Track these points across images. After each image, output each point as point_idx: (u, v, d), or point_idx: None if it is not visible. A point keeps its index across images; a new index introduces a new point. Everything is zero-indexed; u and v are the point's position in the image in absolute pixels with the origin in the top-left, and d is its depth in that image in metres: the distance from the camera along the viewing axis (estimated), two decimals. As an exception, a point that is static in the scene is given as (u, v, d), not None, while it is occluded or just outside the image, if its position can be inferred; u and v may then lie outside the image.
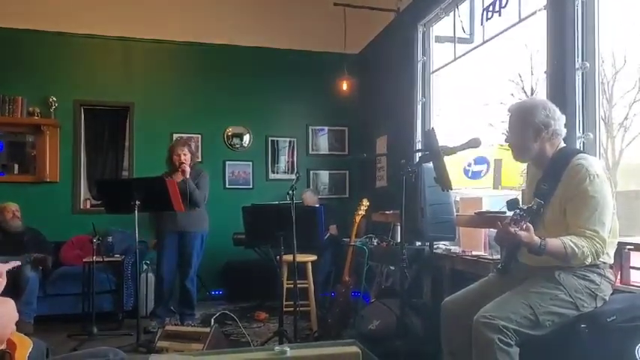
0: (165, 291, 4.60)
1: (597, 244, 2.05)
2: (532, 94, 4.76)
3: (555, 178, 2.22)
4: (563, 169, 2.20)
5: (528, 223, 2.02)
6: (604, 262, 2.19)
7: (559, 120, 2.30)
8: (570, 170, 2.17)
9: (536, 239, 2.02)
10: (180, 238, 4.58)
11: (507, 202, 2.14)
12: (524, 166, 2.74)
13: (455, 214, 3.57)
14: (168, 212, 4.37)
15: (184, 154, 4.53)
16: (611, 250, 2.23)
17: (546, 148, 2.30)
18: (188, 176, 4.45)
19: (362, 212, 4.46)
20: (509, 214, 2.14)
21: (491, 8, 3.88)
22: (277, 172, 6.42)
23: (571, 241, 2.04)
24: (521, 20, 3.59)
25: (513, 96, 5.89)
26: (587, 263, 2.09)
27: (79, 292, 4.73)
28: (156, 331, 4.13)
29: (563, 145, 2.35)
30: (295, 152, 6.48)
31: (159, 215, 4.59)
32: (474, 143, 2.46)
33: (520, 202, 2.12)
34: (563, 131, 2.32)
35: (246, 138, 6.34)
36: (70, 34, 5.80)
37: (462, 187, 4.16)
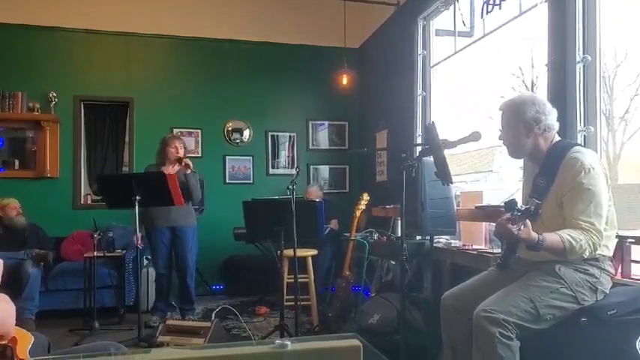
0: (164, 285, 4.62)
1: (594, 237, 2.05)
2: (532, 87, 4.75)
3: (551, 172, 2.22)
4: (559, 163, 2.20)
5: (527, 221, 2.01)
6: (603, 255, 2.19)
7: (550, 114, 2.29)
8: (565, 164, 2.17)
9: (534, 235, 2.01)
10: (172, 233, 4.56)
11: (505, 203, 2.13)
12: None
13: (455, 208, 3.57)
14: (159, 207, 4.37)
15: (181, 148, 4.53)
16: (611, 243, 2.23)
17: (540, 143, 2.30)
18: (189, 171, 4.44)
19: (362, 207, 4.46)
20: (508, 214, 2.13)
21: (491, 1, 3.85)
22: (277, 167, 6.42)
23: (568, 234, 2.03)
24: (521, 13, 3.57)
25: (514, 89, 5.88)
26: (585, 256, 2.09)
27: (81, 288, 4.75)
28: (157, 325, 4.14)
29: (558, 138, 2.34)
30: (295, 147, 6.48)
31: (148, 210, 4.55)
32: (474, 137, 2.46)
33: (518, 203, 2.11)
34: (556, 125, 2.32)
35: (247, 133, 6.33)
36: (70, 29, 5.79)
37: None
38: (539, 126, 2.26)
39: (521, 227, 1.98)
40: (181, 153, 4.52)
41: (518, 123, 2.28)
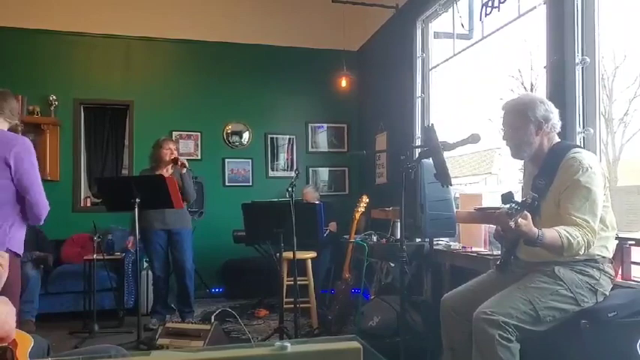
0: (161, 288, 4.61)
1: (588, 234, 2.05)
2: (532, 89, 4.76)
3: (551, 173, 2.23)
4: (558, 164, 2.21)
5: (526, 212, 1.99)
6: (603, 257, 2.19)
7: (555, 113, 2.32)
8: (565, 164, 2.18)
9: (535, 230, 2.01)
10: (169, 236, 4.56)
11: (502, 195, 2.12)
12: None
13: (455, 210, 3.57)
14: (154, 210, 4.37)
15: (175, 150, 4.56)
16: (610, 245, 2.24)
17: (544, 142, 2.32)
18: (185, 170, 4.45)
19: (361, 209, 4.46)
20: (505, 207, 2.13)
21: (490, 4, 3.86)
22: (277, 170, 6.42)
23: (565, 231, 2.03)
24: (520, 15, 3.58)
25: (513, 91, 5.89)
26: (580, 254, 2.08)
27: (80, 290, 4.75)
28: (156, 328, 4.14)
29: (557, 140, 2.36)
30: (295, 149, 6.48)
31: (144, 213, 4.51)
32: (473, 139, 2.46)
33: (514, 197, 2.10)
34: (559, 125, 2.34)
35: (246, 135, 6.33)
36: (70, 32, 5.79)
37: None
38: (548, 125, 2.29)
39: (518, 220, 1.98)
40: (176, 154, 4.54)
41: (528, 121, 2.28)
